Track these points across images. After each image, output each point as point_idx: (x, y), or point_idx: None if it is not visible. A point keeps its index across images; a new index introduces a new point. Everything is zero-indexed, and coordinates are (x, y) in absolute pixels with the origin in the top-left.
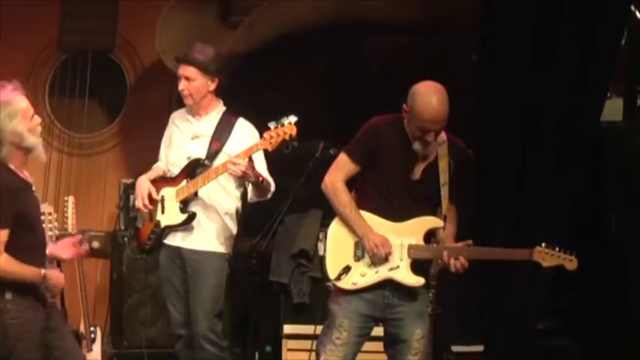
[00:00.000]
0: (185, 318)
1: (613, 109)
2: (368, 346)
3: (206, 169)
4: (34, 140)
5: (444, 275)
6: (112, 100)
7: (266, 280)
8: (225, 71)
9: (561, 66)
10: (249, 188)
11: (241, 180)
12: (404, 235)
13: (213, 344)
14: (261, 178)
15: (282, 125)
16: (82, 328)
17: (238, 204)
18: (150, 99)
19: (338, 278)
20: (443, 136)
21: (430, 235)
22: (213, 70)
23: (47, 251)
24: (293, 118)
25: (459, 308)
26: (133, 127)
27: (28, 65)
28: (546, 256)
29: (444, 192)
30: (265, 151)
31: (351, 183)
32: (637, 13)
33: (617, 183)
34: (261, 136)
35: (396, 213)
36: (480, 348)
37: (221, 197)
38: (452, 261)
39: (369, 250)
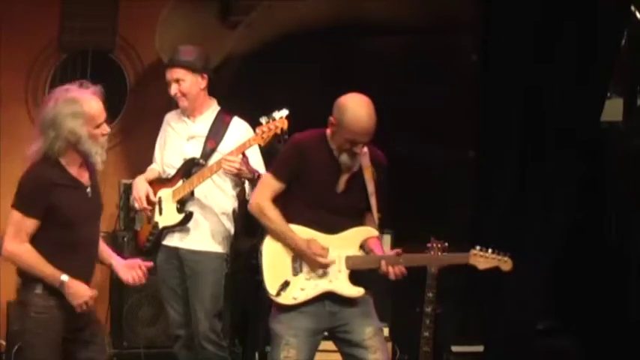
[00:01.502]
0: (184, 318)
1: (613, 109)
2: (328, 345)
3: (201, 168)
4: (93, 147)
5: (444, 275)
6: (112, 100)
7: None
8: (211, 68)
9: (561, 66)
10: (247, 186)
11: (237, 177)
12: (340, 247)
13: (213, 344)
14: (257, 174)
15: (274, 120)
16: None
17: (235, 203)
18: (150, 99)
19: (278, 294)
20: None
21: (363, 245)
22: (200, 67)
23: (113, 263)
24: (284, 112)
25: (459, 308)
26: (133, 127)
27: (28, 65)
28: (481, 259)
29: (373, 201)
30: (259, 147)
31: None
32: (637, 13)
33: (617, 183)
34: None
35: (326, 226)
36: (480, 348)
37: (218, 197)
38: (390, 269)
39: (312, 258)
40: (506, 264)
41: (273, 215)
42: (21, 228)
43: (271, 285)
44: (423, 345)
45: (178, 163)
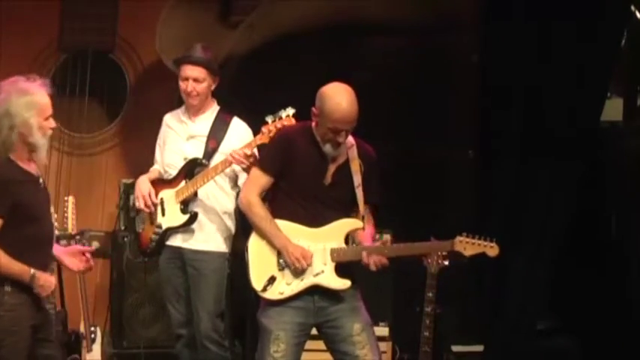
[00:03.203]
0: (185, 318)
1: (613, 109)
2: (316, 344)
3: (204, 168)
4: (41, 140)
5: (444, 275)
6: (112, 100)
7: None
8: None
9: (561, 66)
10: None
11: (245, 172)
12: (325, 240)
13: (216, 344)
14: None
15: (280, 118)
16: (82, 328)
17: (235, 202)
18: (150, 99)
19: (264, 290)
20: (351, 140)
21: (349, 237)
22: (217, 69)
23: (55, 252)
24: (290, 111)
25: (459, 308)
26: (133, 127)
27: (28, 65)
28: (467, 245)
29: (359, 193)
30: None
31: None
32: (637, 13)
33: (617, 183)
34: (259, 130)
35: (312, 218)
36: (480, 348)
37: (220, 197)
38: (371, 260)
39: (290, 264)
40: (492, 249)
41: (260, 212)
42: None
43: (257, 280)
44: (423, 345)
45: (179, 164)
